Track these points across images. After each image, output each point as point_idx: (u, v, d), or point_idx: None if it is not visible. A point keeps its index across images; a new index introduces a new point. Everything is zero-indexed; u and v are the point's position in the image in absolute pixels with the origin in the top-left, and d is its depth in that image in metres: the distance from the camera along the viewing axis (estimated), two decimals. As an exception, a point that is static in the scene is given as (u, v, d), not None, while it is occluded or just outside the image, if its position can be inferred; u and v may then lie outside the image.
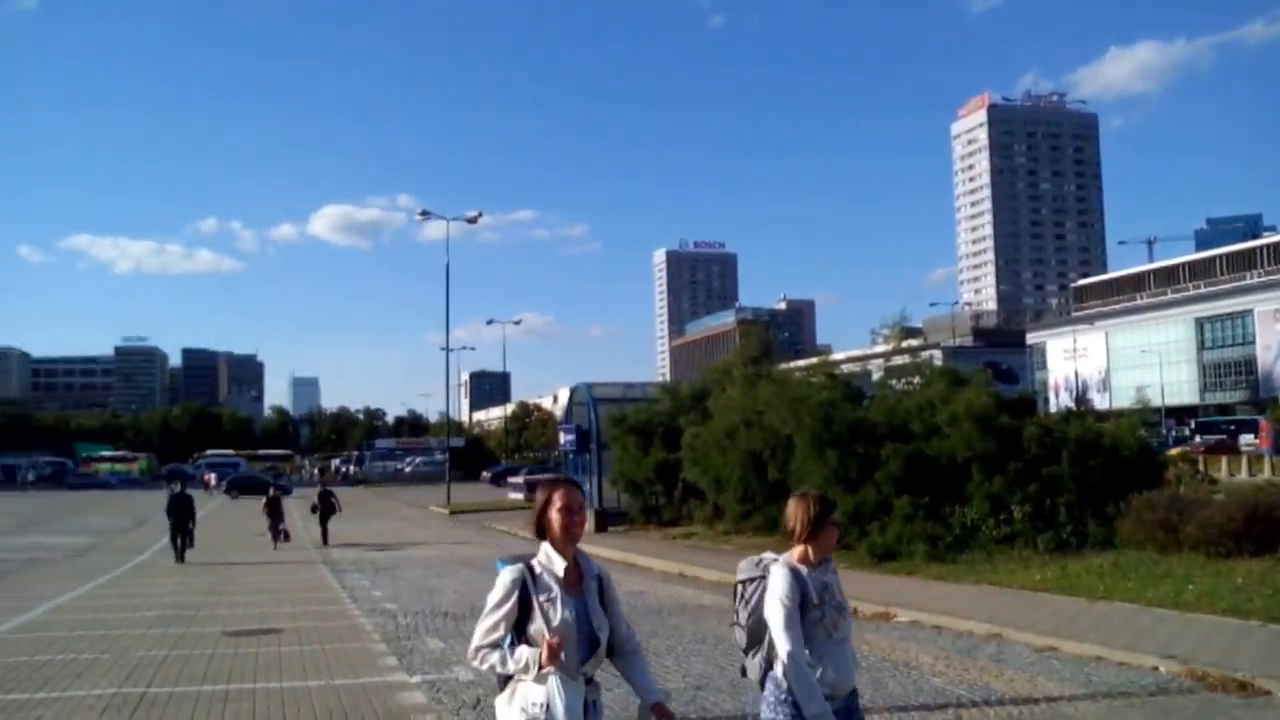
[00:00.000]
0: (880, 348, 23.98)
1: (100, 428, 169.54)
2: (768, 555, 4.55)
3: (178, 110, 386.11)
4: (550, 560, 3.94)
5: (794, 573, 4.33)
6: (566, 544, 3.95)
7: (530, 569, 3.93)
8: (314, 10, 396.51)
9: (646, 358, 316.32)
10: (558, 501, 3.95)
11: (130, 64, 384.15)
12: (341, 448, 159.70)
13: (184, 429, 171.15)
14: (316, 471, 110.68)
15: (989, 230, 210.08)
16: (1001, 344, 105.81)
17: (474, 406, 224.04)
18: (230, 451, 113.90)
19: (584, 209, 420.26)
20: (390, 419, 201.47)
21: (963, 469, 19.15)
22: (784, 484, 21.20)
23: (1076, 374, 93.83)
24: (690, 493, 26.69)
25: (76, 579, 20.21)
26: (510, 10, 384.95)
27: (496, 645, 3.88)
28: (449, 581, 18.78)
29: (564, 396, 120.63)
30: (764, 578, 4.40)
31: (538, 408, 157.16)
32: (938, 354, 60.33)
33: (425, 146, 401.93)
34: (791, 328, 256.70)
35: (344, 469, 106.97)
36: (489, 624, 3.89)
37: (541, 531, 4.01)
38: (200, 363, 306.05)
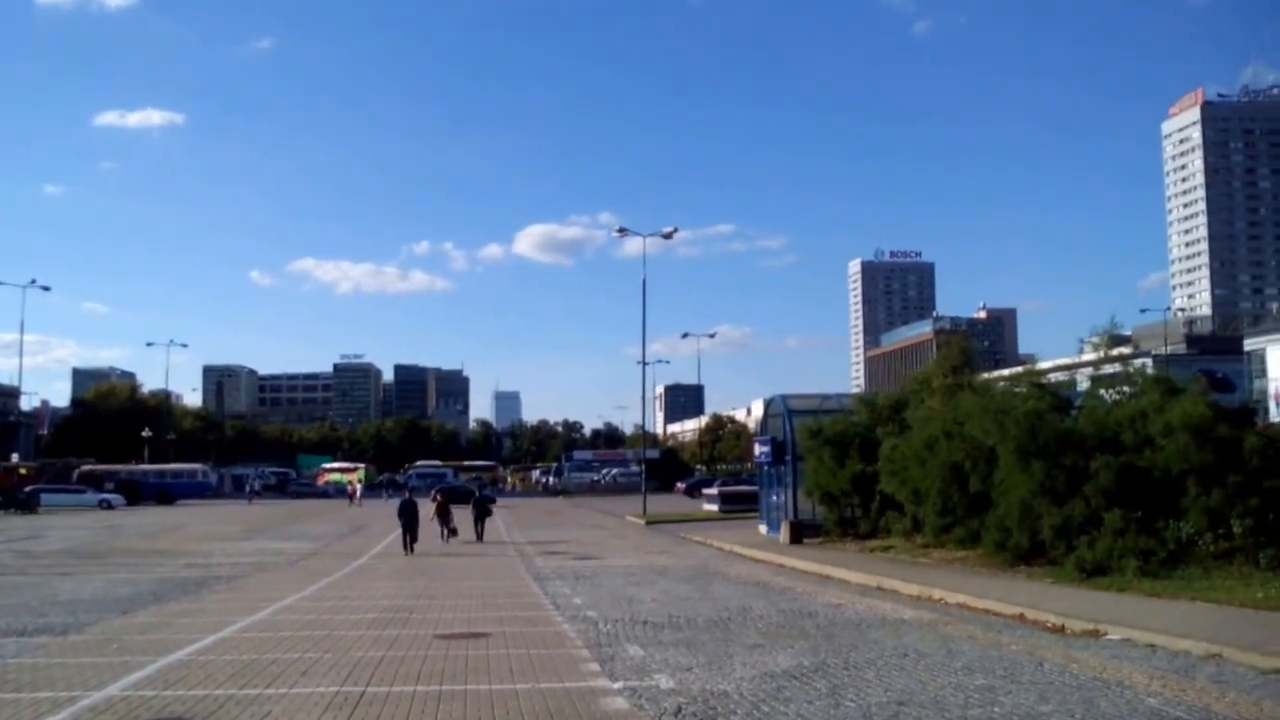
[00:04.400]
0: (1088, 356, 23.05)
1: (320, 440, 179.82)
2: None
3: (395, 140, 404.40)
4: None
5: None
6: None
7: None
8: (512, 37, 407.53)
9: (842, 369, 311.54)
10: None
11: (349, 99, 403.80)
12: (541, 459, 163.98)
13: (396, 441, 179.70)
14: (518, 481, 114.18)
15: (1203, 232, 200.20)
16: (1217, 351, 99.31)
17: (669, 419, 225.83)
18: (438, 463, 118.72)
19: (782, 221, 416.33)
20: (588, 431, 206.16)
21: (1177, 482, 18.24)
22: (986, 496, 20.78)
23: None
24: (888, 505, 26.33)
25: (300, 582, 21.35)
26: (703, 28, 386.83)
27: None
28: (647, 591, 19.03)
29: (758, 409, 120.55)
30: None
31: (731, 420, 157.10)
32: (1149, 362, 57.34)
33: (626, 165, 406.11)
34: (992, 337, 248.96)
35: (544, 479, 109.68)
36: None
37: None
38: (411, 378, 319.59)
